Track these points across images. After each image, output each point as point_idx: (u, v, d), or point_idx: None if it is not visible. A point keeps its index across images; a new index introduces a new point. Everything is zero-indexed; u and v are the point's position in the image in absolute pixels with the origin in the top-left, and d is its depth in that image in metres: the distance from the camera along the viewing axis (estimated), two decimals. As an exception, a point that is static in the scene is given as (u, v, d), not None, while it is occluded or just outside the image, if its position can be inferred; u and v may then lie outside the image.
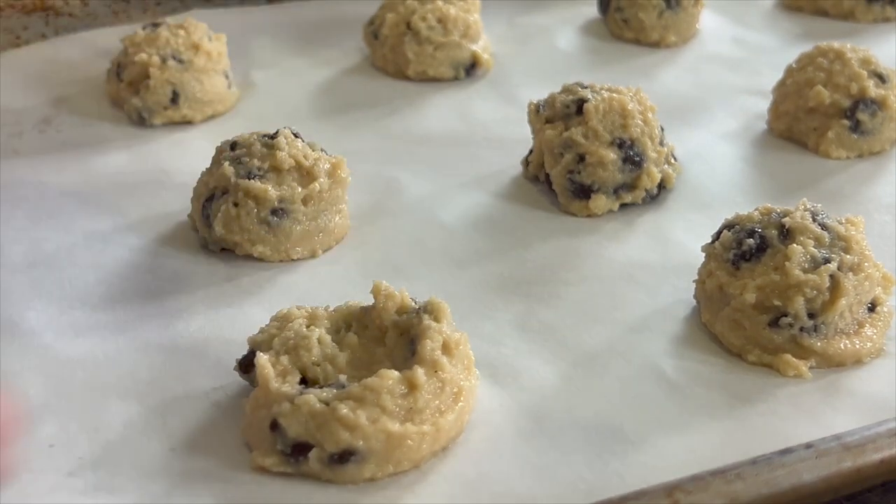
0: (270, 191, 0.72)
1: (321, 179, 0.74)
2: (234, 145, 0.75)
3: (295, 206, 0.73)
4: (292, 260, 0.74)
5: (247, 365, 0.59)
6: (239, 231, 0.72)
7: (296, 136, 0.76)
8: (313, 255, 0.74)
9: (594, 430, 0.58)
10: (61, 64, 1.02)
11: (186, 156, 0.87)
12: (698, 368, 0.63)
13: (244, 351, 0.60)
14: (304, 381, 0.57)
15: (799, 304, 0.62)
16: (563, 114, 0.80)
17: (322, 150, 0.77)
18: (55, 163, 0.86)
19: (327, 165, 0.75)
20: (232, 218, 0.72)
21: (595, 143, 0.78)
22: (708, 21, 1.14)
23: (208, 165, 0.76)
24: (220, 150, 0.76)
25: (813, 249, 0.63)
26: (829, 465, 0.53)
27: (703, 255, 0.68)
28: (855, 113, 0.86)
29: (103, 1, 1.12)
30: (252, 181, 0.72)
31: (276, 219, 0.72)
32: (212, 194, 0.74)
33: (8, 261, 0.73)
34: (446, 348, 0.58)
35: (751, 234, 0.65)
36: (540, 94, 0.85)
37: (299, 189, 0.73)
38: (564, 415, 0.59)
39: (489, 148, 0.90)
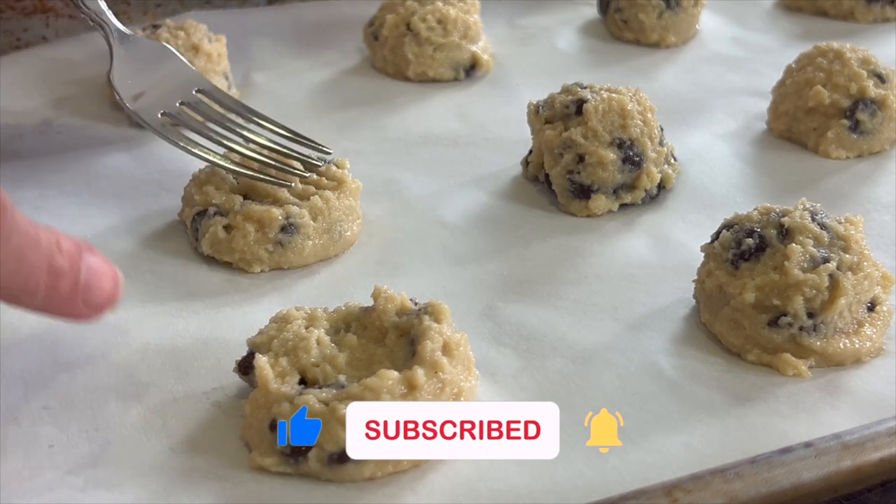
0: (274, 211, 0.71)
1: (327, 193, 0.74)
2: None
3: (303, 221, 0.72)
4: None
5: (246, 366, 0.59)
6: (228, 252, 0.72)
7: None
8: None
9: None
10: (61, 66, 1.03)
11: (186, 157, 0.87)
12: (698, 367, 0.63)
13: (243, 351, 0.60)
14: (304, 382, 0.57)
15: (798, 304, 0.62)
16: (562, 114, 0.80)
17: (333, 163, 0.77)
18: (55, 164, 0.86)
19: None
20: (220, 241, 0.71)
21: (595, 144, 0.78)
22: (708, 21, 1.14)
23: (206, 166, 0.76)
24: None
25: (812, 249, 0.63)
26: (829, 464, 0.53)
27: (703, 254, 0.68)
28: (854, 113, 0.86)
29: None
30: (253, 204, 0.72)
31: (286, 235, 0.71)
32: (204, 210, 0.73)
33: (8, 261, 0.73)
34: (447, 349, 0.58)
35: (750, 233, 0.65)
36: (540, 94, 0.85)
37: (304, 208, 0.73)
38: (564, 414, 0.59)
39: (489, 148, 0.90)
